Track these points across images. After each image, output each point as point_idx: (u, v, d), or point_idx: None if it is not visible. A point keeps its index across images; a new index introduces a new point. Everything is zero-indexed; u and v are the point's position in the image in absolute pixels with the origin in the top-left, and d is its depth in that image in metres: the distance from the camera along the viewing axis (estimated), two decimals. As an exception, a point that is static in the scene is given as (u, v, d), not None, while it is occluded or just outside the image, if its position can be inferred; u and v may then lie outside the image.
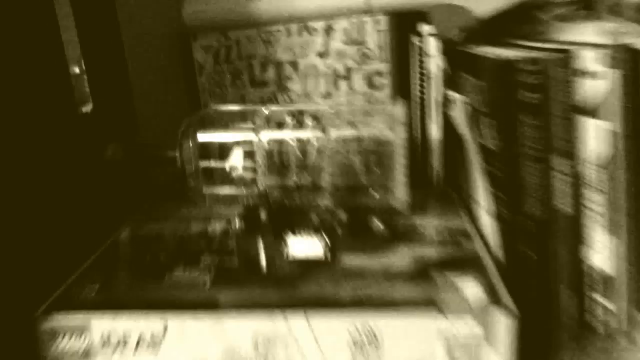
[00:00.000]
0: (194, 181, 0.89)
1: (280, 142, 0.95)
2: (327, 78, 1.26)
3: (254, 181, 0.92)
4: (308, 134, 0.92)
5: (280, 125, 0.97)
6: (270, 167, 0.93)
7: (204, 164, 0.93)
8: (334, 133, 0.92)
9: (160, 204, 0.97)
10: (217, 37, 1.20)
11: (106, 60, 0.97)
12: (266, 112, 0.98)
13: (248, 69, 1.29)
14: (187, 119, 0.96)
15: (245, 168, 0.95)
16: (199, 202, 0.88)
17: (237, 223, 0.87)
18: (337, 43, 1.24)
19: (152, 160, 0.96)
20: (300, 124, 0.95)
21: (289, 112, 0.96)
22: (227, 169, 0.95)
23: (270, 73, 1.28)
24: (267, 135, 0.92)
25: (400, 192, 0.89)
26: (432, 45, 1.21)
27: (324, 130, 0.91)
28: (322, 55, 1.18)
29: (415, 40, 1.23)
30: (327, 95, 1.28)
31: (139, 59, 1.11)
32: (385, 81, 1.25)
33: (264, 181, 0.91)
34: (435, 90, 1.25)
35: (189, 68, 1.25)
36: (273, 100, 1.32)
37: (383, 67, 1.23)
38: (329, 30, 1.22)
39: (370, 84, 1.25)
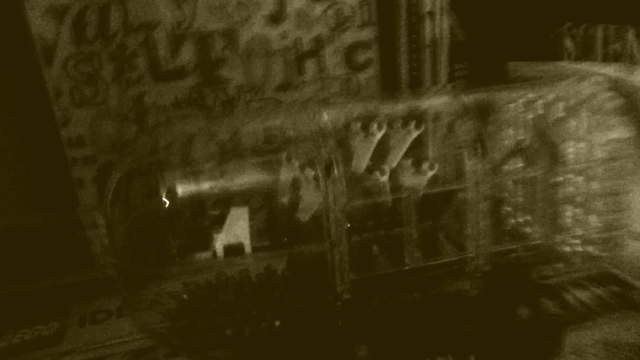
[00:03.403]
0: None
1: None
2: (285, 57, 0.79)
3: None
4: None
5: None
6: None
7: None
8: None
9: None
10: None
11: None
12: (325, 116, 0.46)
13: (146, 48, 0.73)
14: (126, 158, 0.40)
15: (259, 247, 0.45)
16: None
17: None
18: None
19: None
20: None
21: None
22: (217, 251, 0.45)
23: (188, 54, 0.74)
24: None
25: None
26: (436, -2, 0.85)
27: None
28: (274, 19, 0.71)
29: (404, -9, 0.86)
30: (286, 86, 0.80)
31: None
32: (372, 55, 0.83)
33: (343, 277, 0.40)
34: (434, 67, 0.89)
35: (24, 52, 0.64)
36: (198, 101, 0.76)
37: (367, 33, 0.81)
38: (285, -23, 0.77)
39: (350, 62, 0.82)
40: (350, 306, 0.39)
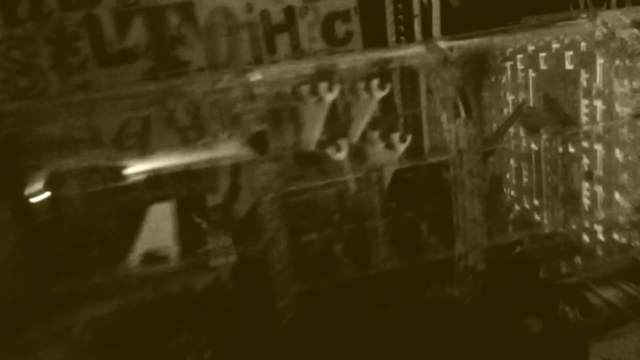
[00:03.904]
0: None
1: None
2: (252, 32, 0.69)
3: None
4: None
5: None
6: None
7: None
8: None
9: None
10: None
11: None
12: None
13: (89, 28, 0.63)
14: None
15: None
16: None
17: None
18: (266, -36, 0.69)
19: None
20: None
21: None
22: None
23: (138, 33, 0.65)
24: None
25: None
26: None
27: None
28: (238, -11, 0.63)
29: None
30: (256, 63, 0.70)
31: None
32: (352, 28, 0.73)
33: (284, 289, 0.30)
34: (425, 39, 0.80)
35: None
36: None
37: (346, 2, 0.71)
38: (248, -60, 0.68)
39: (328, 36, 0.72)
40: (297, 327, 0.29)
